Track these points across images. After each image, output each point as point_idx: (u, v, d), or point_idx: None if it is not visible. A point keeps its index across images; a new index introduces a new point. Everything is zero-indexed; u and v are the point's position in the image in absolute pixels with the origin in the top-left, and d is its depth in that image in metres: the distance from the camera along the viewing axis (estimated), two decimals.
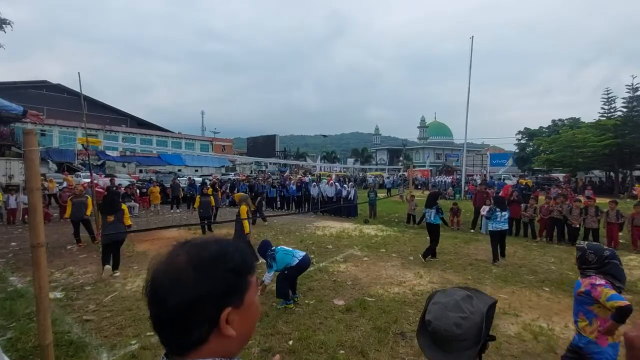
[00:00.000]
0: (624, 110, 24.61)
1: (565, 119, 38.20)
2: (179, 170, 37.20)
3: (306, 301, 4.99)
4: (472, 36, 23.21)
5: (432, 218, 7.36)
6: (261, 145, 62.05)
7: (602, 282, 2.43)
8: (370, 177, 34.04)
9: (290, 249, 4.99)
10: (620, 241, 8.74)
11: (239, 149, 73.25)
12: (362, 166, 52.92)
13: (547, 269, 6.74)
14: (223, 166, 46.58)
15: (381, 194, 21.21)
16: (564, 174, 31.11)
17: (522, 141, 41.19)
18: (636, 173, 26.04)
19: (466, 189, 22.60)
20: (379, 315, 4.53)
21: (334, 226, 11.51)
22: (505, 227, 7.46)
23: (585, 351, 2.47)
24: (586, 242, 2.80)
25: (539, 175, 34.03)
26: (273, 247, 4.94)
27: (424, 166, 46.49)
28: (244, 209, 7.00)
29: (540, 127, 40.36)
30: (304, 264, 4.83)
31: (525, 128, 41.39)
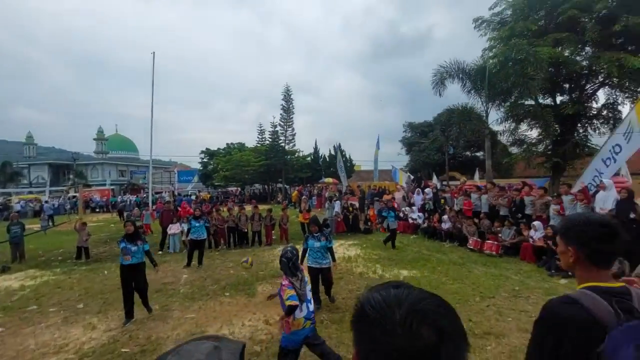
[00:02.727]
0: (270, 140, 33.92)
1: (236, 143, 46.79)
2: None
3: None
4: (154, 52, 22.84)
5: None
6: None
7: (285, 282, 3.19)
8: (18, 203, 24.54)
9: None
10: (274, 237, 11.54)
11: None
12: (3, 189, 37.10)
13: (227, 275, 7.53)
14: None
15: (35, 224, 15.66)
16: (235, 188, 37.84)
17: (205, 159, 45.81)
18: (279, 185, 36.56)
19: (154, 208, 21.63)
20: None
21: None
22: (203, 236, 8.68)
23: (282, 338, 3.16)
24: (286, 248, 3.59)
25: (219, 190, 39.25)
26: None
27: (105, 185, 39.98)
28: None
29: (218, 148, 46.84)
30: None
31: (207, 148, 46.43)
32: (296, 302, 3.00)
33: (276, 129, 32.66)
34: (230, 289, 6.43)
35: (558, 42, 14.13)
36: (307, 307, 3.21)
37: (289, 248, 3.52)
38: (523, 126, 17.95)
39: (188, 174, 44.44)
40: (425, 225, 11.52)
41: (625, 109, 15.08)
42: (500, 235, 8.69)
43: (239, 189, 38.30)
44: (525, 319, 4.60)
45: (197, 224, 8.57)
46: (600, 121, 16.43)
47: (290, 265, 3.33)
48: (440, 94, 15.47)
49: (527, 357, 1.26)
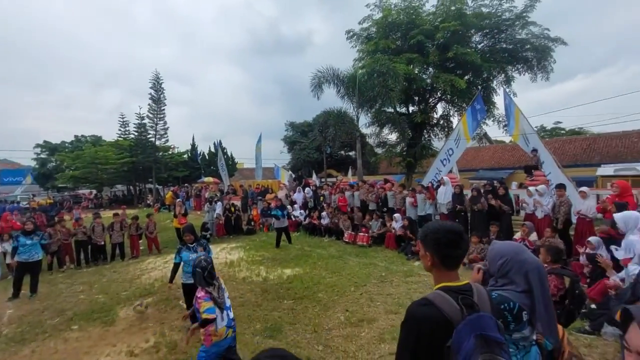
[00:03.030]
0: (135, 134, 29.29)
1: (89, 136, 38.78)
2: None
3: None
4: None
5: None
6: None
7: (201, 294, 2.96)
8: None
9: None
10: (141, 248, 9.99)
11: None
12: None
13: (76, 302, 6.08)
14: None
15: None
16: (88, 190, 31.40)
17: (43, 155, 36.41)
18: (149, 186, 32.01)
19: None
20: None
21: None
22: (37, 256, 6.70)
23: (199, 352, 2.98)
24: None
25: (65, 193, 31.86)
26: None
27: None
28: None
29: (63, 142, 37.94)
30: None
31: (45, 141, 37.00)
32: (213, 316, 2.86)
33: (144, 121, 28.55)
34: (80, 320, 5.19)
35: (410, 61, 16.86)
36: (228, 315, 3.08)
37: (202, 257, 3.24)
38: (385, 130, 20.85)
39: (16, 173, 34.74)
40: (307, 222, 12.00)
41: (455, 120, 19.25)
42: (369, 227, 9.77)
43: (94, 191, 31.90)
44: (390, 302, 5.25)
45: (29, 242, 6.62)
46: (439, 129, 20.53)
47: (205, 275, 3.08)
48: (318, 97, 16.39)
49: (396, 356, 1.35)
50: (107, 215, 13.03)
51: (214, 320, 2.88)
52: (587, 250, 5.20)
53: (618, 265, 4.23)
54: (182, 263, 4.65)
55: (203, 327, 2.88)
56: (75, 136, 38.51)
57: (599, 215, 6.50)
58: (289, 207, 13.26)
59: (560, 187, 7.37)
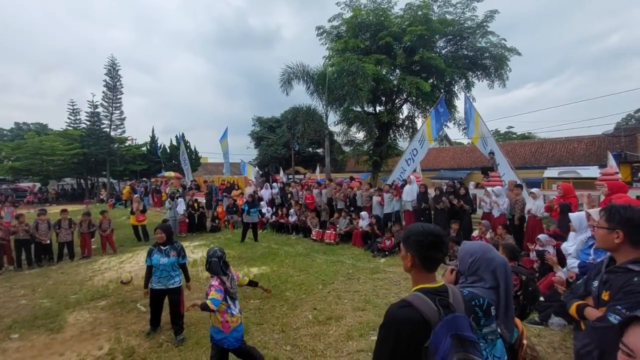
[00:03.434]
0: (88, 123, 27.14)
1: (32, 124, 35.42)
2: None
3: None
4: None
5: None
6: None
7: (215, 283, 3.07)
8: None
9: None
10: (93, 247, 9.26)
11: None
12: None
13: (16, 307, 5.50)
14: None
15: None
16: (33, 184, 28.71)
17: None
18: (102, 180, 29.85)
19: None
20: None
21: None
22: None
23: (211, 335, 3.10)
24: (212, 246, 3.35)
25: (3, 186, 28.84)
26: None
27: None
28: None
29: (1, 129, 34.29)
30: None
31: None
32: (214, 307, 2.96)
33: (97, 109, 26.55)
34: (21, 328, 4.69)
35: (379, 62, 17.20)
36: (237, 305, 3.21)
37: (216, 248, 3.34)
38: (353, 129, 21.16)
39: None
40: (274, 219, 11.85)
41: (419, 121, 19.97)
42: (337, 225, 9.85)
43: (38, 184, 29.17)
44: (357, 299, 5.32)
45: None
46: (404, 129, 21.19)
47: (221, 265, 3.21)
48: (287, 93, 16.22)
49: (374, 357, 1.36)
50: (54, 211, 11.93)
51: (213, 310, 2.98)
52: (537, 247, 5.61)
53: (564, 261, 4.61)
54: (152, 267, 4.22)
55: (202, 309, 2.97)
56: (16, 123, 35.05)
57: (546, 214, 7.08)
58: (262, 203, 13.01)
59: (518, 186, 7.91)
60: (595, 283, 1.89)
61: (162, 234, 4.25)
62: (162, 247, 4.24)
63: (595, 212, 3.06)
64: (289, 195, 12.62)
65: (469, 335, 1.24)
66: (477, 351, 1.23)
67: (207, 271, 3.26)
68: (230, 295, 3.12)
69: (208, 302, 2.95)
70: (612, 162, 10.20)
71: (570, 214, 4.32)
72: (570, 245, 3.98)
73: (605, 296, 1.76)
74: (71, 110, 27.70)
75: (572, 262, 3.44)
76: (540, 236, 5.72)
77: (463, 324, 1.26)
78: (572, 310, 1.96)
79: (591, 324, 1.77)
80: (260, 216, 11.00)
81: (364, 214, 9.40)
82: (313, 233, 9.90)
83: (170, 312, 4.24)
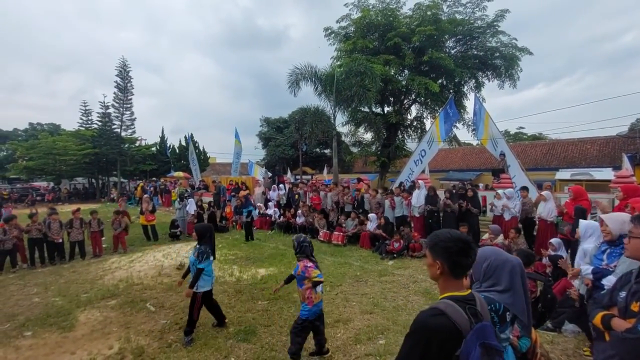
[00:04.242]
0: (99, 123, 27.59)
1: (45, 124, 36.18)
2: None
3: None
4: None
5: None
6: None
7: (310, 264, 3.54)
8: None
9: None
10: (104, 246, 9.40)
11: None
12: None
13: (29, 305, 5.60)
14: None
15: None
16: (47, 183, 29.31)
17: None
18: (113, 179, 30.31)
19: None
20: None
21: None
22: None
23: (302, 311, 3.54)
24: (295, 235, 3.82)
25: (18, 185, 29.51)
26: None
27: None
28: None
29: (16, 129, 35.13)
30: None
31: None
32: (322, 279, 3.52)
33: (108, 110, 26.99)
34: (33, 326, 4.77)
35: (387, 62, 17.11)
36: (320, 286, 3.66)
37: (301, 236, 3.80)
38: (361, 129, 21.09)
39: None
40: (281, 220, 11.86)
41: (428, 122, 19.80)
42: (344, 226, 9.81)
43: (52, 184, 29.76)
44: (366, 302, 5.28)
45: None
46: (412, 130, 21.03)
47: (311, 248, 3.69)
48: (295, 94, 16.24)
49: None
50: (66, 210, 12.15)
51: (321, 282, 3.51)
52: (549, 252, 5.50)
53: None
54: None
55: (314, 286, 3.46)
56: (30, 123, 35.86)
57: (559, 218, 6.91)
58: (260, 205, 13.04)
59: (524, 189, 7.77)
60: (623, 294, 1.83)
61: (194, 232, 4.39)
62: (195, 246, 4.34)
63: (608, 217, 2.97)
64: (297, 197, 12.63)
65: (495, 344, 1.25)
66: (501, 359, 1.26)
67: (297, 255, 3.67)
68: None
69: (317, 279, 3.46)
70: (627, 164, 9.96)
71: (582, 220, 4.20)
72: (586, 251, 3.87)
73: (635, 307, 1.71)
74: (83, 111, 28.20)
75: (586, 269, 3.36)
76: (553, 240, 5.59)
77: (490, 332, 1.27)
78: (597, 320, 1.91)
79: (620, 335, 1.72)
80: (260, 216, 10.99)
81: (372, 216, 9.33)
82: (320, 234, 9.88)
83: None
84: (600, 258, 2.90)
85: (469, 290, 1.41)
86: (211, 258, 4.39)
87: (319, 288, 3.56)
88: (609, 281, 2.65)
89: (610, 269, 2.74)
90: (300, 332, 3.53)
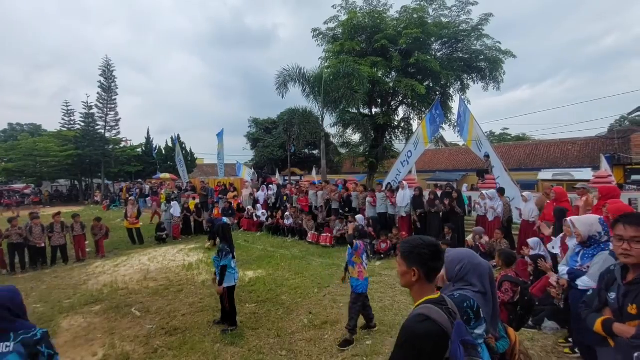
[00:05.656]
0: (82, 124, 26.92)
1: (25, 124, 35.09)
2: None
3: None
4: None
5: None
6: None
7: (362, 246, 4.27)
8: None
9: None
10: (88, 250, 9.20)
11: None
12: None
13: None
14: None
15: None
16: (24, 185, 28.40)
17: None
18: (97, 181, 29.60)
19: None
20: None
21: None
22: None
23: (351, 285, 4.25)
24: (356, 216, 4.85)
25: None
26: None
27: None
28: None
29: None
30: None
31: None
32: (364, 262, 4.27)
33: (92, 111, 26.36)
34: None
35: (374, 64, 17.27)
36: (367, 263, 4.49)
37: (360, 225, 4.77)
38: (349, 131, 21.22)
39: None
40: (269, 222, 11.83)
41: (415, 123, 20.06)
42: (332, 227, 9.85)
43: (33, 186, 28.87)
44: None
45: None
46: (400, 131, 21.27)
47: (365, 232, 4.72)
48: (283, 96, 16.20)
49: None
50: (47, 213, 11.80)
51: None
52: (530, 252, 5.65)
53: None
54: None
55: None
56: (10, 124, 34.72)
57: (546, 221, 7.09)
58: (249, 207, 12.98)
59: (499, 191, 8.00)
60: (613, 295, 1.83)
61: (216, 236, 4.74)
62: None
63: (577, 220, 3.07)
64: (285, 198, 12.60)
65: (471, 340, 1.29)
66: (478, 353, 1.29)
67: (355, 239, 4.30)
68: (367, 254, 4.53)
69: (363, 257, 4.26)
70: (605, 164, 10.31)
71: (571, 217, 4.33)
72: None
73: (632, 310, 1.70)
74: (65, 111, 27.48)
75: (563, 270, 3.49)
76: (529, 240, 5.74)
77: (464, 329, 1.30)
78: (598, 327, 1.86)
79: (629, 342, 1.67)
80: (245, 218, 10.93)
81: (359, 217, 9.39)
82: (309, 236, 9.90)
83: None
84: (575, 259, 3.01)
85: (439, 293, 1.44)
86: (230, 255, 4.55)
87: (365, 264, 4.32)
88: (582, 282, 2.76)
89: (584, 270, 2.85)
90: (361, 306, 4.16)
